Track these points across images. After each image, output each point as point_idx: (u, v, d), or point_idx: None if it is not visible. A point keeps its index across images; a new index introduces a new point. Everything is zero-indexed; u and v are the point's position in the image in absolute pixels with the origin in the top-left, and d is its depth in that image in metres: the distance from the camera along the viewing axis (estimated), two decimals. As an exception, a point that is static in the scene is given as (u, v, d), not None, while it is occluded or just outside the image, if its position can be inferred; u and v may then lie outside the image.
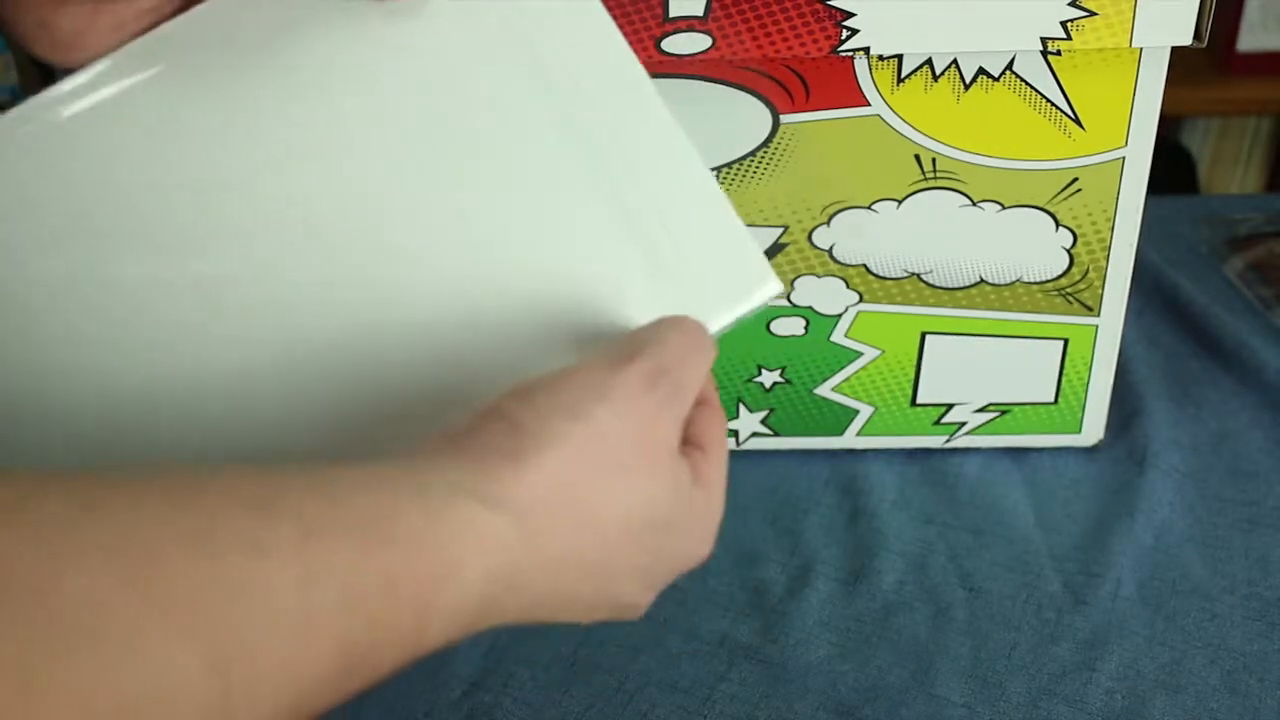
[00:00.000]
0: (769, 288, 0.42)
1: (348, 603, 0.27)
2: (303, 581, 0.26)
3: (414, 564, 0.29)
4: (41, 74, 1.48)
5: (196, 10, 0.40)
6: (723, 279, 0.42)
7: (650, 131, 0.42)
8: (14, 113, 0.39)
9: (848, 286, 0.59)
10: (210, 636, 0.24)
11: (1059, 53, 0.52)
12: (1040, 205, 0.57)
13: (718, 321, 0.41)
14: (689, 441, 0.37)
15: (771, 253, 0.58)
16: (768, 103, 0.54)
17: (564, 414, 0.33)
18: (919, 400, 0.63)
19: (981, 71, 0.53)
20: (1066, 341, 0.61)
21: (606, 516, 0.33)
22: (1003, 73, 0.53)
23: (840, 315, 0.60)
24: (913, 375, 0.62)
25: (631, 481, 0.34)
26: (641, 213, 0.41)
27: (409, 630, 0.29)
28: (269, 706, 0.25)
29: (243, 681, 0.25)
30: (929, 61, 0.53)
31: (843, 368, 0.62)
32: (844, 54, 0.51)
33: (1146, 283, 0.76)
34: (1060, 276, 0.59)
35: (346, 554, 0.27)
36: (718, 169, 0.55)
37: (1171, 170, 1.56)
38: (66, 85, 0.39)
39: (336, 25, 0.40)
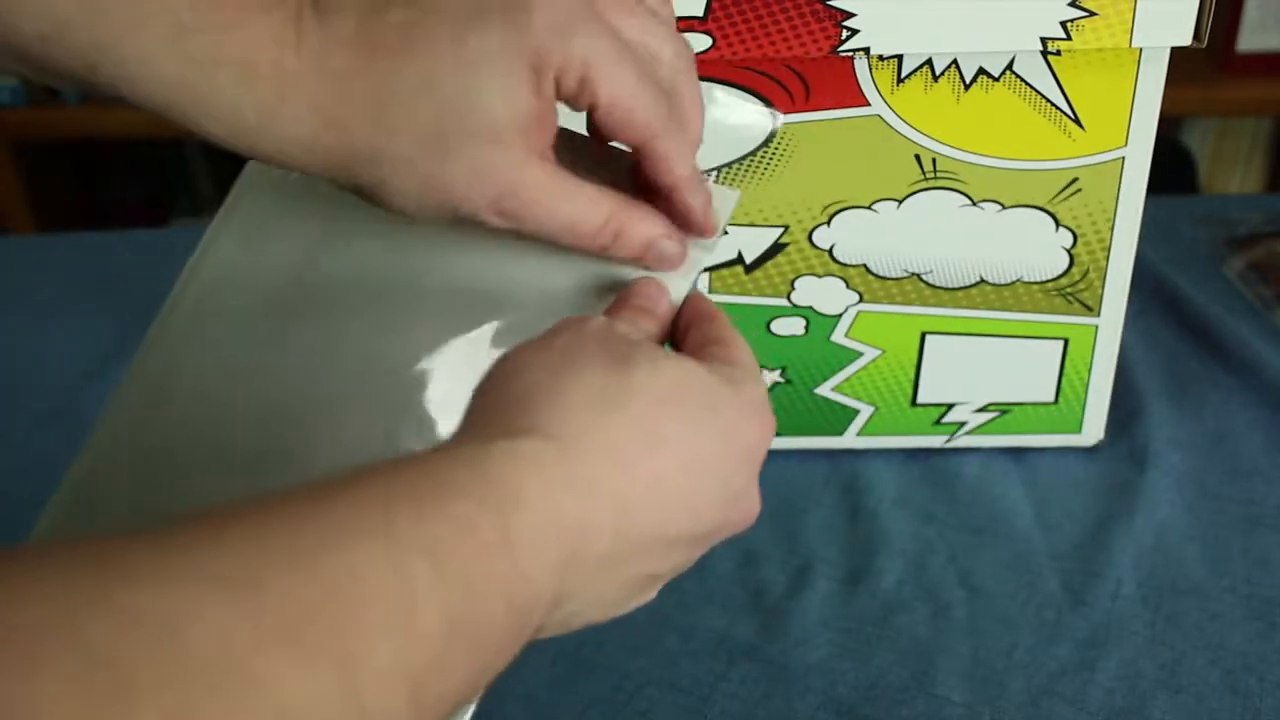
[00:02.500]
0: (729, 198, 0.42)
1: (437, 561, 0.28)
2: (393, 559, 0.27)
3: (480, 502, 0.29)
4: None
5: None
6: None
7: None
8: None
9: (848, 286, 0.59)
10: (332, 648, 0.25)
11: (1059, 53, 0.52)
12: (1040, 205, 0.57)
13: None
14: (705, 344, 0.38)
15: (771, 253, 0.58)
16: (768, 103, 0.54)
17: (533, 350, 0.34)
18: (919, 400, 0.63)
19: (981, 72, 0.53)
20: (1067, 341, 0.61)
21: (634, 392, 0.33)
22: (1003, 73, 0.53)
23: (840, 315, 0.60)
24: (913, 375, 0.62)
25: (632, 367, 0.34)
26: None
27: (505, 574, 0.29)
28: (398, 698, 0.26)
29: (370, 678, 0.25)
30: (929, 62, 0.53)
31: (843, 367, 0.62)
32: (844, 54, 0.51)
33: (1147, 283, 0.76)
34: (1060, 276, 0.59)
35: (421, 518, 0.28)
36: (719, 169, 0.55)
37: (1171, 170, 1.56)
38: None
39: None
